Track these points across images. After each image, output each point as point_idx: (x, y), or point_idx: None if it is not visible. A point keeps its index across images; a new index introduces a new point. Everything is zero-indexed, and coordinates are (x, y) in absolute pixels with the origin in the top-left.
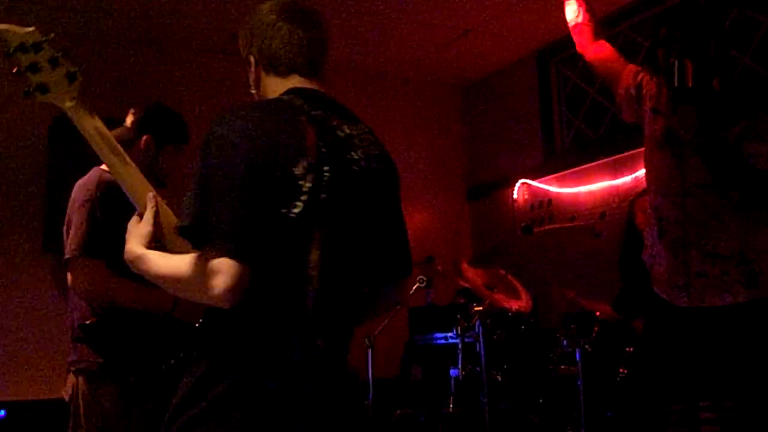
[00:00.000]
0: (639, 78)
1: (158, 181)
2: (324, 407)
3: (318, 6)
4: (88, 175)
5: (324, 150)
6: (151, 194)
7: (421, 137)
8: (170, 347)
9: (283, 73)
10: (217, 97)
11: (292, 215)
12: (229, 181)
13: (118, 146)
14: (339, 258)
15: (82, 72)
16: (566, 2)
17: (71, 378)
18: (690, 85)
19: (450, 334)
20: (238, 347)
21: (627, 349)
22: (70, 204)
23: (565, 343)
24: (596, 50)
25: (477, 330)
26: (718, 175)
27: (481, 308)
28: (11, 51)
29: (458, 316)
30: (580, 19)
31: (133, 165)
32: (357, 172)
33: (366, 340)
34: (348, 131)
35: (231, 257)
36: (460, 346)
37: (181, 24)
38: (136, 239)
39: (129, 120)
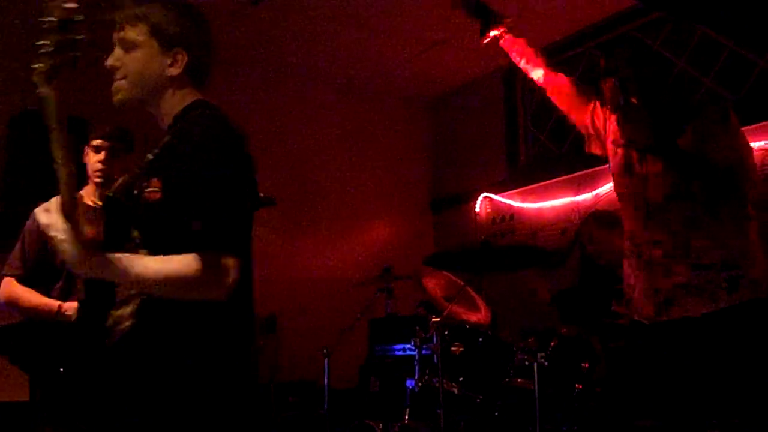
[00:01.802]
0: (593, 115)
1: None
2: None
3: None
4: None
5: None
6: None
7: (386, 149)
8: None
9: (198, 86)
10: None
11: (249, 210)
12: (234, 186)
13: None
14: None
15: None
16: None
17: None
18: (634, 101)
19: (408, 346)
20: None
21: (583, 364)
22: None
23: (522, 356)
24: (555, 86)
25: (435, 342)
26: (681, 170)
27: (439, 320)
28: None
29: (417, 327)
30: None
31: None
32: None
33: (323, 349)
34: None
35: (235, 255)
36: (417, 357)
37: None
38: (80, 245)
39: None
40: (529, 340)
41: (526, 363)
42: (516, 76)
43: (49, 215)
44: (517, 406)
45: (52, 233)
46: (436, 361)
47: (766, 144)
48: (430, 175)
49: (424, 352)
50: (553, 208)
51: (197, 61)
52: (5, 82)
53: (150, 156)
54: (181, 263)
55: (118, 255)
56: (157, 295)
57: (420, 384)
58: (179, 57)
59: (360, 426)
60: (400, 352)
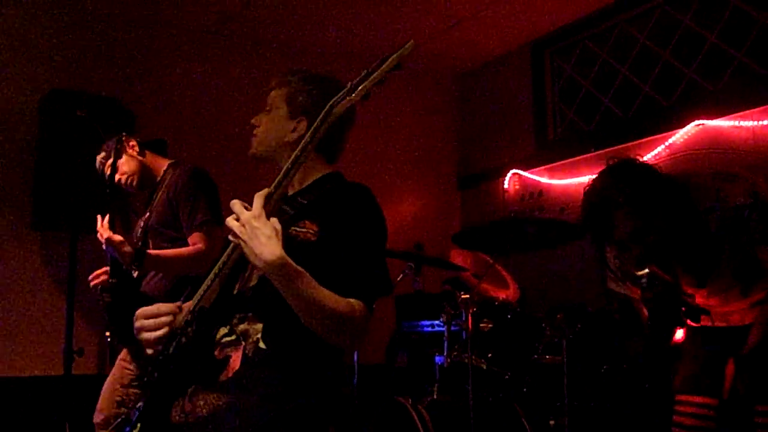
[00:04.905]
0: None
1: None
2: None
3: None
4: None
5: None
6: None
7: (414, 125)
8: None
9: (330, 161)
10: (210, 74)
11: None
12: (383, 253)
13: None
14: None
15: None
16: None
17: None
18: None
19: (436, 322)
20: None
21: (611, 341)
22: None
23: (550, 333)
24: None
25: (463, 318)
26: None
27: (468, 296)
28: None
29: (445, 303)
30: None
31: None
32: None
33: None
34: None
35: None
36: (446, 334)
37: (178, 6)
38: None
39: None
40: (558, 316)
41: (555, 339)
42: (544, 52)
43: (256, 206)
44: (546, 381)
45: (254, 224)
46: (465, 337)
47: None
48: (458, 151)
49: (452, 328)
50: (581, 184)
51: (329, 137)
52: (32, 62)
53: (302, 200)
54: (348, 305)
55: (303, 270)
56: (313, 326)
57: (449, 360)
58: (300, 125)
59: (389, 401)
60: (428, 329)
